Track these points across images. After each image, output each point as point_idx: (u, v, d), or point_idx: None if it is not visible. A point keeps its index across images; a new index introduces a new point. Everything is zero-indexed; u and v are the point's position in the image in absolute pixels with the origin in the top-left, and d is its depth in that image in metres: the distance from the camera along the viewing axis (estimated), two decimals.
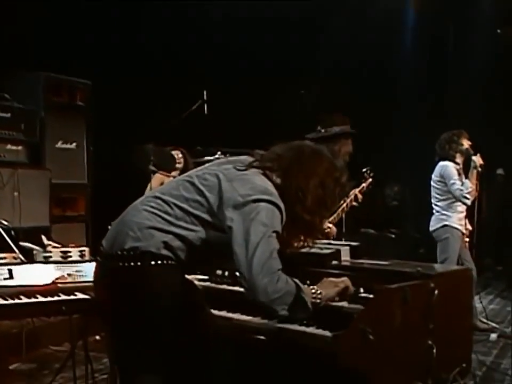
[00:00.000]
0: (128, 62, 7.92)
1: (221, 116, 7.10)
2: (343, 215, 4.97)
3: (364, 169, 5.25)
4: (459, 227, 6.18)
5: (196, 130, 6.53)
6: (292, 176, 2.63)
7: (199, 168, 2.74)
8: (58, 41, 7.25)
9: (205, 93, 6.65)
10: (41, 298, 3.43)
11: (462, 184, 6.05)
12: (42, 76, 6.84)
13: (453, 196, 6.11)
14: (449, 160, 6.18)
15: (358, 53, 9.60)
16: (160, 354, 2.56)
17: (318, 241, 3.41)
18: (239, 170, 2.62)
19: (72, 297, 3.49)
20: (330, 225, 4.69)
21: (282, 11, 8.94)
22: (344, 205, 4.95)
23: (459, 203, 6.12)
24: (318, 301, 2.60)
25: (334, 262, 3.07)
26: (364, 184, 5.16)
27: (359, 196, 5.05)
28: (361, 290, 2.78)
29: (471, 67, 10.18)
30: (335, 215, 4.88)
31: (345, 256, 3.17)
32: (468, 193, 6.00)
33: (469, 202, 6.08)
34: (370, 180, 5.20)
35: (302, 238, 2.75)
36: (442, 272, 3.21)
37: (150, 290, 2.47)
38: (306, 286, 2.61)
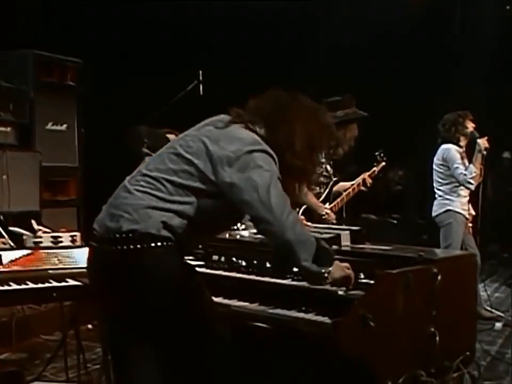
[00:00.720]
0: (121, 41, 7.90)
1: (216, 97, 7.08)
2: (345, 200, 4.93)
3: (377, 153, 5.17)
4: (462, 212, 6.19)
5: (190, 111, 6.52)
6: (276, 125, 2.66)
7: (179, 137, 2.74)
8: (49, 18, 7.23)
9: (200, 73, 6.64)
10: (31, 285, 3.44)
11: (466, 168, 6.04)
12: (32, 54, 6.76)
13: (456, 180, 6.12)
14: (453, 143, 6.18)
15: (359, 32, 9.57)
16: (162, 339, 2.57)
17: (317, 225, 3.43)
18: (221, 128, 2.64)
19: (63, 283, 3.51)
20: (328, 211, 4.66)
21: None
22: (351, 189, 4.90)
23: (462, 187, 6.13)
24: (326, 275, 2.60)
25: (334, 247, 3.08)
26: (375, 168, 5.07)
27: (368, 181, 4.98)
28: (362, 276, 2.80)
29: (478, 45, 10.13)
30: (338, 200, 4.85)
31: (346, 241, 3.18)
32: (471, 178, 6.00)
33: (472, 187, 6.09)
34: (383, 164, 5.13)
35: (297, 186, 2.77)
36: (445, 257, 3.21)
37: (152, 272, 2.48)
38: None
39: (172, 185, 2.53)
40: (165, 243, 2.48)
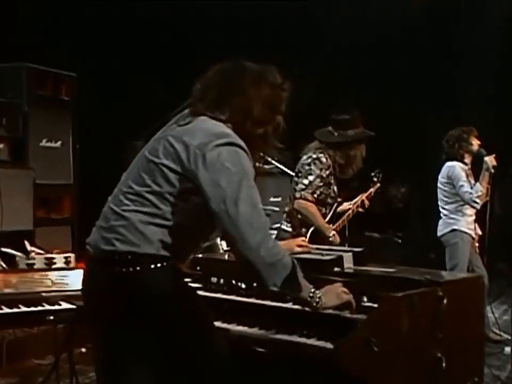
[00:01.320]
0: (116, 53, 7.93)
1: None
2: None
3: (373, 173, 5.21)
4: (468, 231, 6.18)
5: None
6: (228, 99, 2.65)
7: (147, 144, 2.73)
8: (43, 31, 7.24)
9: None
10: (24, 308, 3.43)
11: (472, 186, 6.03)
12: (25, 67, 6.77)
13: (461, 198, 6.11)
14: (458, 160, 6.17)
15: (359, 32, 9.59)
16: (162, 354, 2.56)
17: (319, 246, 3.43)
18: (184, 125, 2.64)
19: (56, 307, 3.50)
20: (334, 232, 4.69)
21: None
22: (350, 211, 4.94)
23: (468, 206, 6.11)
24: (314, 304, 2.59)
25: (336, 269, 3.07)
26: (371, 190, 5.13)
27: (366, 202, 5.02)
28: (365, 299, 2.79)
29: (482, 55, 10.12)
30: (340, 221, 4.87)
31: (349, 263, 3.17)
32: (477, 196, 5.98)
33: (478, 206, 6.07)
34: (378, 184, 5.18)
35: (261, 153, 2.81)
36: (452, 280, 3.22)
37: (151, 293, 2.48)
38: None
39: (155, 196, 2.52)
40: (164, 263, 2.49)
